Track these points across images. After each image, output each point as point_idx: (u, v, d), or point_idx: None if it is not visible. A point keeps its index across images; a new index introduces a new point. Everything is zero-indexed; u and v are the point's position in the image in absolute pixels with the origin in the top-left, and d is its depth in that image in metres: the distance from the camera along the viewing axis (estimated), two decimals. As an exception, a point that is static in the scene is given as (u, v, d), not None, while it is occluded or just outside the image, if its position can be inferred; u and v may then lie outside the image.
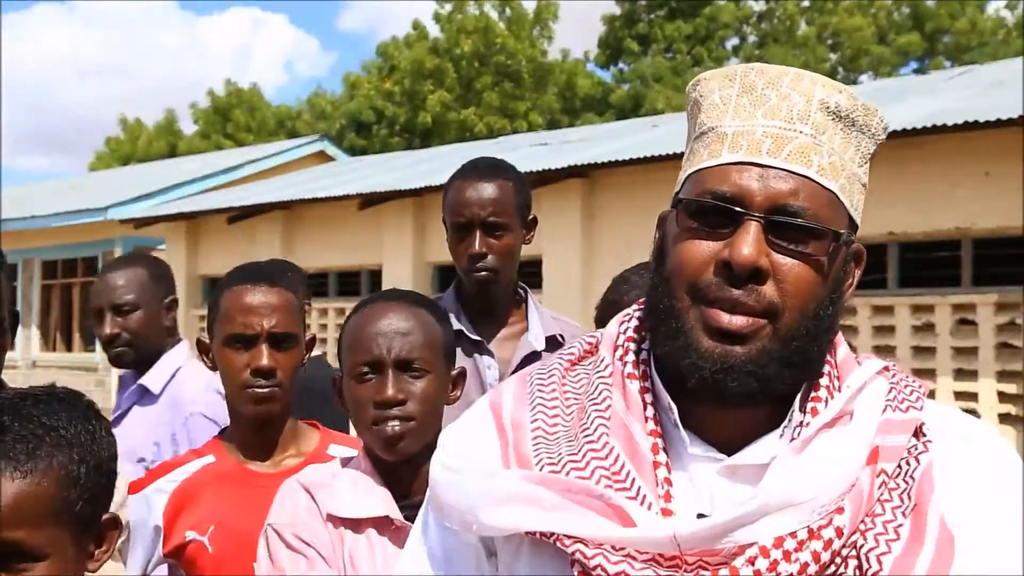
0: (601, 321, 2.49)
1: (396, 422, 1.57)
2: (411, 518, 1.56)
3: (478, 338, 2.41)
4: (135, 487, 2.00)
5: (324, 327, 12.75)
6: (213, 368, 2.01)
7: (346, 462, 1.70)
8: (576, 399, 1.06)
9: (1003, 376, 7.87)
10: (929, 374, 8.22)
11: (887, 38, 29.08)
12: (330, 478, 1.65)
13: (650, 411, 1.02)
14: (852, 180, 1.02)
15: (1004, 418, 7.87)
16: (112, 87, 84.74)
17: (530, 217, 2.43)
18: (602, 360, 1.07)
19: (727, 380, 0.95)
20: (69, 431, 1.23)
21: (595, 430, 1.00)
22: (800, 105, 1.00)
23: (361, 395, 1.60)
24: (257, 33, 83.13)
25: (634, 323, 1.09)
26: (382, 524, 1.58)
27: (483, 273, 2.34)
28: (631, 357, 1.06)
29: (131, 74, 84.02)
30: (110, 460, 1.29)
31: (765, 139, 0.99)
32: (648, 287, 1.06)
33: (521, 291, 2.53)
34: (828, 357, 1.04)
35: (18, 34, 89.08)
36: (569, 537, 0.94)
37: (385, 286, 11.93)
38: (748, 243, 0.95)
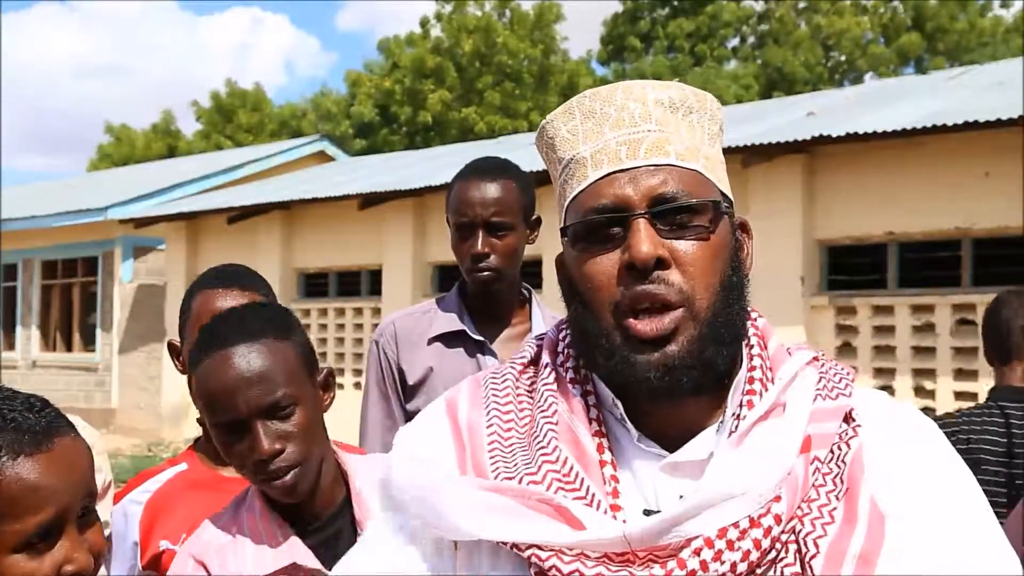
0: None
1: (284, 473, 1.48)
2: (323, 541, 1.53)
3: (481, 338, 2.42)
4: (113, 499, 1.99)
5: (324, 327, 12.76)
6: (183, 372, 1.95)
7: (241, 502, 1.60)
8: (529, 403, 1.10)
9: (1003, 376, 7.86)
10: (929, 374, 8.23)
11: (888, 37, 29.07)
12: (228, 533, 1.54)
13: (593, 412, 1.06)
14: (709, 160, 1.08)
15: (1004, 418, 7.87)
16: (112, 87, 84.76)
17: (534, 217, 2.44)
18: (545, 366, 1.12)
19: (673, 380, 1.00)
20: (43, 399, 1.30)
21: (545, 436, 1.04)
22: (639, 109, 1.07)
23: (238, 453, 1.50)
24: (257, 33, 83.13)
25: (583, 348, 1.11)
26: (292, 571, 1.50)
27: (486, 273, 2.34)
28: (572, 362, 1.10)
29: (131, 74, 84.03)
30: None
31: (620, 147, 1.06)
32: (570, 319, 1.10)
33: (525, 291, 2.53)
34: (759, 351, 1.09)
35: (18, 34, 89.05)
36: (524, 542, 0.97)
37: (385, 286, 11.94)
38: (642, 239, 1.00)
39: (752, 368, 1.07)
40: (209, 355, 1.50)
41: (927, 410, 8.14)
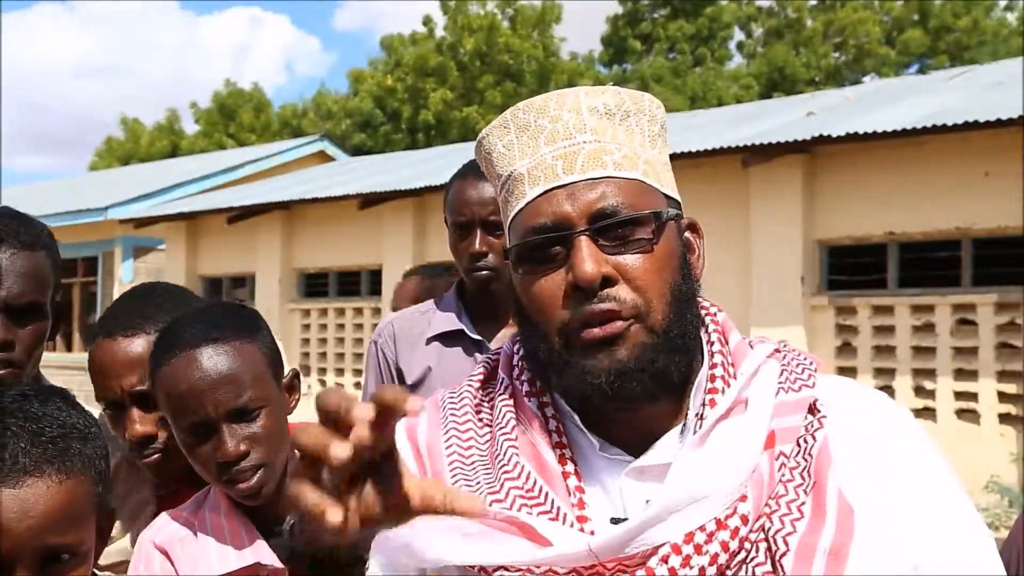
0: None
1: (249, 476, 1.46)
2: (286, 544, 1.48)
3: (479, 337, 2.42)
4: None
5: (324, 327, 12.76)
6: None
7: (203, 500, 1.57)
8: (490, 420, 1.09)
9: (1003, 376, 7.87)
10: (929, 374, 8.22)
11: (891, 35, 29.07)
12: (190, 529, 1.52)
13: (552, 424, 1.05)
14: (651, 163, 1.06)
15: (1004, 418, 7.87)
16: (112, 87, 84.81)
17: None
18: (501, 382, 1.10)
19: (625, 385, 0.98)
20: (79, 424, 1.23)
21: (506, 454, 1.03)
22: (572, 120, 1.05)
23: (201, 455, 1.47)
24: (257, 33, 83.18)
25: (536, 371, 1.09)
26: (255, 569, 1.48)
27: (484, 272, 2.35)
28: (527, 375, 1.09)
29: (131, 74, 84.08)
30: (107, 447, 1.29)
31: (556, 162, 1.03)
32: (521, 337, 1.08)
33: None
34: (720, 347, 1.07)
35: (18, 34, 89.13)
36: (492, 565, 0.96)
37: (385, 286, 11.93)
38: (584, 258, 0.98)
39: (713, 366, 1.05)
40: (175, 356, 1.46)
41: (927, 410, 8.14)
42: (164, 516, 1.56)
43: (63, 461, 1.17)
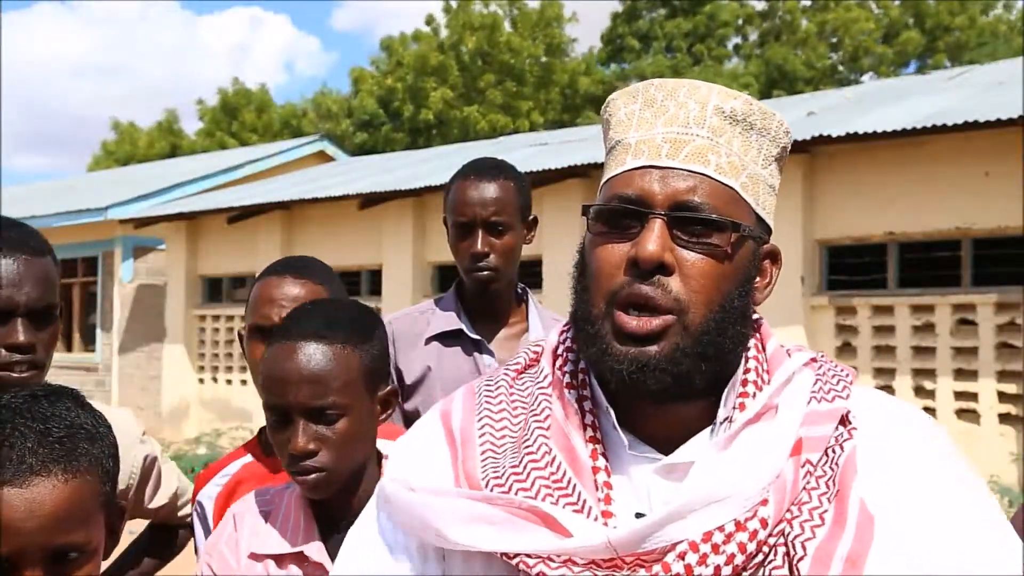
0: None
1: (310, 473, 1.53)
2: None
3: (478, 337, 2.43)
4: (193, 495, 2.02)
5: (324, 327, 12.74)
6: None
7: (292, 484, 1.67)
8: (524, 408, 1.10)
9: (1003, 376, 7.87)
10: (929, 374, 8.22)
11: (888, 35, 29.08)
12: (266, 506, 1.63)
13: (588, 418, 1.06)
14: (755, 180, 1.07)
15: (1004, 418, 7.87)
16: (112, 87, 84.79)
17: (531, 217, 2.45)
18: (542, 370, 1.12)
19: (644, 379, 1.00)
20: (87, 424, 1.25)
21: (535, 441, 1.04)
22: (696, 111, 1.06)
23: (277, 440, 1.57)
24: (257, 33, 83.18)
25: (572, 333, 1.12)
26: (299, 559, 1.57)
27: (484, 272, 2.36)
28: (569, 367, 1.10)
29: (131, 74, 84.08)
30: (116, 447, 1.32)
31: (664, 144, 1.05)
32: (572, 292, 1.11)
33: (521, 291, 2.54)
34: (756, 353, 1.08)
35: (18, 34, 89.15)
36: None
37: (385, 286, 11.94)
38: (652, 239, 1.00)
39: (747, 371, 1.06)
40: (281, 342, 1.55)
41: (927, 410, 8.13)
42: (256, 489, 1.68)
43: (70, 461, 1.20)
